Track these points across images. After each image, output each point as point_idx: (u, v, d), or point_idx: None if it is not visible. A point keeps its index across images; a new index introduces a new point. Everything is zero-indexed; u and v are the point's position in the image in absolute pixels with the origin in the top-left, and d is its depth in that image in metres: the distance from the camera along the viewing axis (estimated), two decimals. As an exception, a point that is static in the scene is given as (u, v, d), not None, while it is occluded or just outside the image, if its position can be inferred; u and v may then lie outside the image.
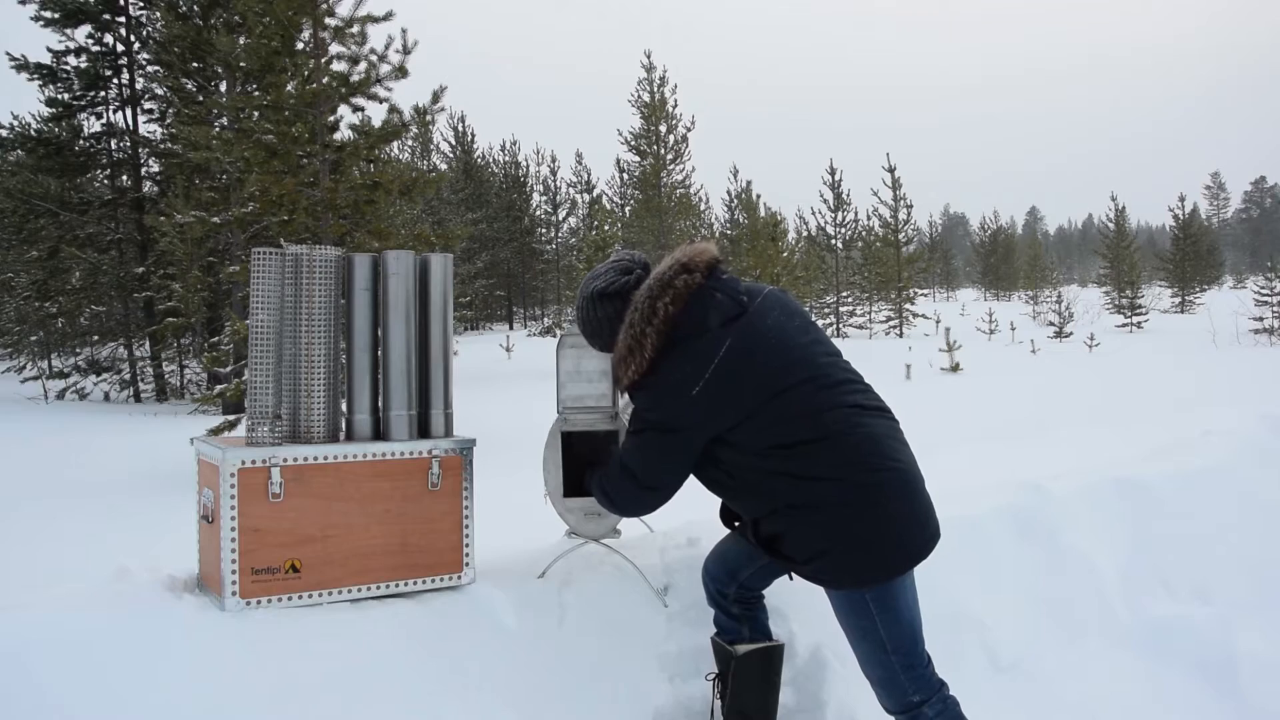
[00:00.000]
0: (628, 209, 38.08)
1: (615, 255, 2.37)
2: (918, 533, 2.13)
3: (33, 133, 15.78)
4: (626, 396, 2.44)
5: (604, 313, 2.28)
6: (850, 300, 34.18)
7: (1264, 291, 21.96)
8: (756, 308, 2.18)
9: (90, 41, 15.50)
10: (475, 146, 45.69)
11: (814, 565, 2.13)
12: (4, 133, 15.59)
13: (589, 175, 47.82)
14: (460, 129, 45.11)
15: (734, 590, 2.46)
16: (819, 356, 2.19)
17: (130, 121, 15.81)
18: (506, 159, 47.33)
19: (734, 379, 2.10)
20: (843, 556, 2.09)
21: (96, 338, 16.51)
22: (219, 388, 9.43)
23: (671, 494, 2.28)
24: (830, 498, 2.08)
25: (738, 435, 2.13)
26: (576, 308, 2.37)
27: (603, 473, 2.38)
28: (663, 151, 31.27)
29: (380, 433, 2.63)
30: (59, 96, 15.65)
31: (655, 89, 30.36)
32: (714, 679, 2.53)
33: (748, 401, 2.11)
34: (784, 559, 2.19)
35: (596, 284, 2.30)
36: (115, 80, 15.78)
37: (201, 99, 13.21)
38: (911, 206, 33.40)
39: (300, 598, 2.44)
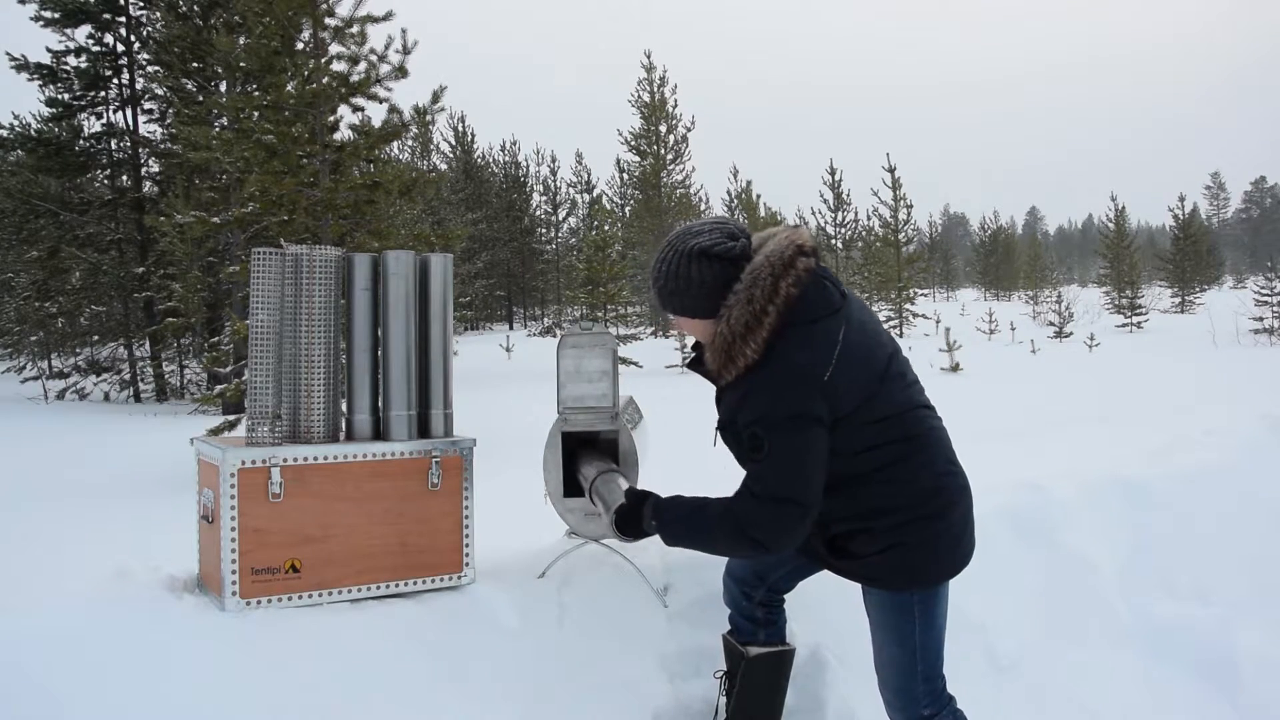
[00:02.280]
0: (628, 209, 38.06)
1: (712, 218, 2.15)
2: (968, 538, 2.14)
3: (33, 133, 15.78)
4: (719, 398, 2.13)
5: (701, 273, 2.04)
6: (850, 300, 34.09)
7: (1264, 291, 21.94)
8: (849, 300, 2.11)
9: (90, 41, 15.50)
10: (475, 146, 45.70)
11: (873, 562, 2.07)
12: (4, 133, 15.59)
13: (589, 175, 47.89)
14: (460, 129, 45.13)
15: (761, 593, 2.42)
16: (898, 354, 2.15)
17: (130, 121, 15.81)
18: (506, 159, 47.37)
19: (850, 368, 2.00)
20: (908, 555, 2.05)
21: (96, 338, 16.51)
22: (219, 388, 9.44)
23: None
24: (907, 500, 2.05)
25: (837, 433, 2.02)
26: (662, 260, 2.09)
27: (723, 517, 2.02)
28: (663, 151, 31.27)
29: (380, 433, 2.63)
30: (59, 96, 15.65)
31: (655, 89, 30.37)
32: (721, 676, 2.51)
33: (856, 395, 2.01)
34: (847, 557, 2.13)
35: (699, 240, 2.05)
36: (115, 80, 15.77)
37: (201, 99, 13.20)
38: (911, 206, 33.33)
39: (300, 598, 2.44)
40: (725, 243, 2.05)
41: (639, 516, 2.21)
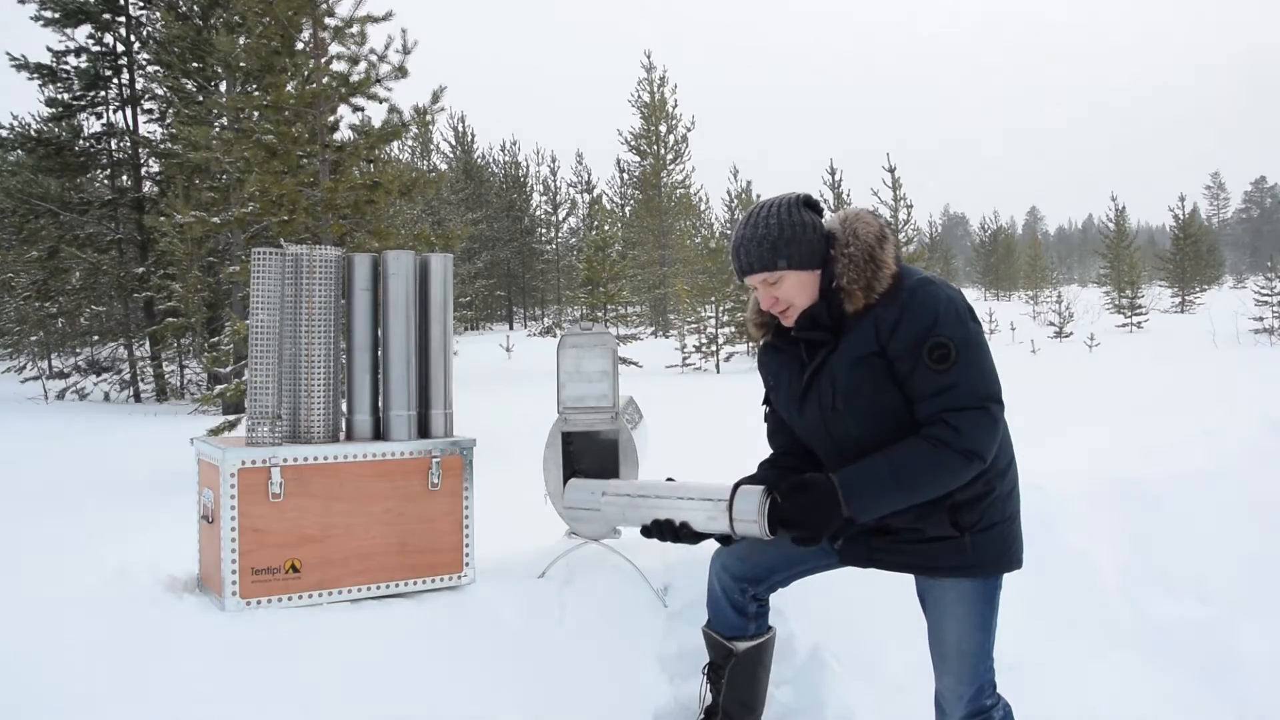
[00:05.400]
0: (628, 209, 38.11)
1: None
2: None
3: (33, 133, 15.77)
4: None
5: (810, 218, 2.04)
6: (850, 300, 34.01)
7: (1264, 291, 21.96)
8: None
9: (90, 41, 15.49)
10: (475, 146, 45.68)
11: (977, 542, 1.99)
12: (4, 133, 15.58)
13: (589, 175, 47.85)
14: (460, 129, 45.12)
15: (761, 590, 2.32)
16: None
17: (130, 121, 15.80)
18: (506, 159, 47.34)
19: None
20: (1011, 533, 2.05)
21: (96, 338, 16.50)
22: (219, 388, 9.43)
23: None
24: (1010, 461, 2.08)
25: None
26: (764, 214, 2.04)
27: (935, 452, 1.88)
28: (663, 151, 31.29)
29: (380, 433, 2.63)
30: (59, 96, 15.64)
31: (655, 89, 30.39)
32: (706, 669, 2.42)
33: None
34: (957, 533, 1.97)
35: (794, 195, 2.08)
36: (115, 80, 15.76)
37: (201, 99, 13.20)
38: (911, 206, 33.30)
39: (300, 598, 2.44)
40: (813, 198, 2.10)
41: (836, 507, 1.90)
